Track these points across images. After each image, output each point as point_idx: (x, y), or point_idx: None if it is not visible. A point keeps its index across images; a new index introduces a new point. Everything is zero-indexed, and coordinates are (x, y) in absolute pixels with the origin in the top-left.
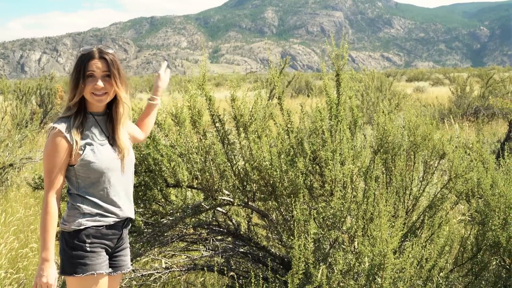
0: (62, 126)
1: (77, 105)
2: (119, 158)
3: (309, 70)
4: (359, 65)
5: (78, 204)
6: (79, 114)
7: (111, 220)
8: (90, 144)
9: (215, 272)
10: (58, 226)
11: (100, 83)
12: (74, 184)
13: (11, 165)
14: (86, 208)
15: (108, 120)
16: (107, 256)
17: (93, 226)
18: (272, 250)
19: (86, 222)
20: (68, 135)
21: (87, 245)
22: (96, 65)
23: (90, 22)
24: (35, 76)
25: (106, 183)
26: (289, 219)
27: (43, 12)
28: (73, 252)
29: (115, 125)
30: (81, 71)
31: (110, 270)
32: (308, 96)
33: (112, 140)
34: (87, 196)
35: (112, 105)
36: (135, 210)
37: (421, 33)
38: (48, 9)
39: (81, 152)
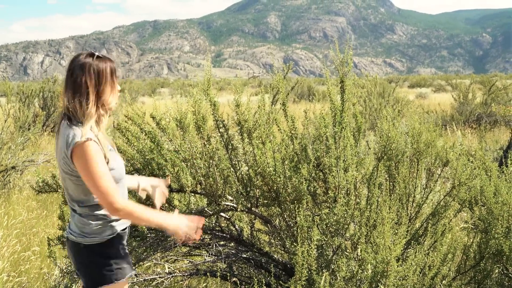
0: (92, 135)
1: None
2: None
3: (311, 75)
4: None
5: (102, 213)
6: (97, 124)
7: (129, 221)
8: (110, 150)
9: (218, 278)
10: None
11: (118, 86)
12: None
13: (13, 167)
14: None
15: None
16: None
17: (121, 229)
18: (275, 256)
19: (117, 227)
20: (99, 144)
21: (120, 249)
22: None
23: (93, 25)
24: (37, 78)
25: (122, 187)
26: (292, 225)
27: (46, 15)
28: (110, 261)
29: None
30: (114, 81)
31: (135, 271)
32: (311, 101)
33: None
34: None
35: None
36: None
37: (423, 40)
38: (51, 12)
39: (106, 159)
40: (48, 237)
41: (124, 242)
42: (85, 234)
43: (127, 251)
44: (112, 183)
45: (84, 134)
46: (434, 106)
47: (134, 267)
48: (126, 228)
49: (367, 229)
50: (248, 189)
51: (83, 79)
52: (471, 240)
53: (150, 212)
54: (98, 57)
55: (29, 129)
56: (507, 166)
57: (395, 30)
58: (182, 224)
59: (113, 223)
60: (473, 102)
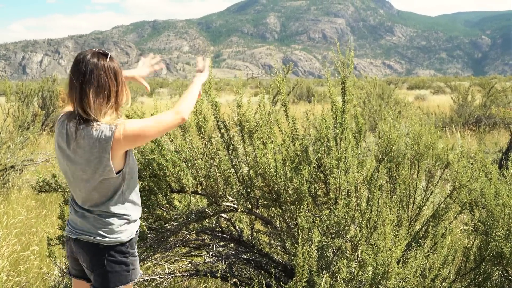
0: (113, 120)
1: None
2: None
3: (311, 76)
4: (360, 72)
5: (124, 212)
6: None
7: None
8: None
9: (218, 278)
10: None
11: None
12: (121, 191)
13: (12, 167)
14: (133, 214)
15: None
16: None
17: (136, 230)
18: (275, 257)
19: (136, 228)
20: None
21: (136, 250)
22: None
23: (92, 25)
24: (36, 78)
25: (136, 183)
26: (293, 226)
27: (46, 14)
28: (128, 261)
29: None
30: (123, 80)
31: (141, 272)
32: (310, 102)
33: None
34: (132, 199)
35: None
36: None
37: (422, 41)
38: (50, 12)
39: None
40: (48, 237)
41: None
42: (106, 234)
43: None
44: (157, 118)
45: (111, 122)
46: (433, 108)
47: None
48: (139, 228)
49: (368, 231)
50: (249, 190)
51: (106, 80)
52: (472, 242)
53: (188, 93)
54: (111, 57)
55: (28, 128)
56: (507, 169)
57: (394, 31)
58: (205, 75)
59: (133, 224)
60: (472, 104)
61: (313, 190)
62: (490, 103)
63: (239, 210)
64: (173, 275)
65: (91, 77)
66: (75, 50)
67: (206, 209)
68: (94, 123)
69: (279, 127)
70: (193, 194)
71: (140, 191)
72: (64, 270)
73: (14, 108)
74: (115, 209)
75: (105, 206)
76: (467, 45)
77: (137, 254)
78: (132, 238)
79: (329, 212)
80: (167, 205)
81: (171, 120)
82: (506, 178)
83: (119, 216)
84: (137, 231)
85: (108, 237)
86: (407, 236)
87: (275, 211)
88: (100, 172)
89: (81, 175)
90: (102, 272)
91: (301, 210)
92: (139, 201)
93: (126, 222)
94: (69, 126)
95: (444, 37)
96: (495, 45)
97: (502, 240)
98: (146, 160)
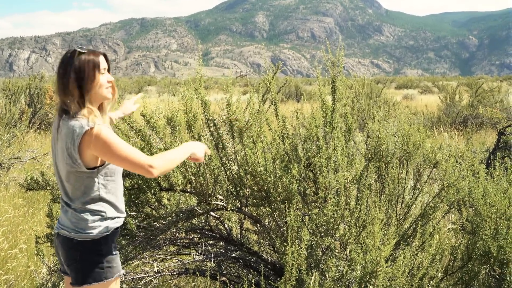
0: (98, 121)
1: (94, 104)
2: None
3: (299, 75)
4: (349, 71)
5: (99, 209)
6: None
7: (122, 219)
8: None
9: (207, 277)
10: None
11: (111, 76)
12: (95, 188)
13: None
14: (109, 212)
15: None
16: None
17: (114, 228)
18: (264, 255)
19: (112, 226)
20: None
21: (112, 248)
22: (103, 61)
23: (80, 22)
24: (23, 75)
25: (119, 183)
26: (282, 225)
27: (33, 10)
28: (102, 258)
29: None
30: (95, 67)
31: (124, 271)
32: (298, 101)
33: None
34: (108, 199)
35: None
36: (127, 213)
37: (410, 41)
38: (37, 8)
39: None
40: (35, 235)
41: (115, 241)
42: (80, 229)
43: (117, 250)
44: (133, 149)
45: (92, 120)
46: (421, 108)
47: (122, 266)
48: (119, 227)
49: (357, 230)
50: (238, 189)
51: (67, 77)
52: (459, 241)
53: (173, 151)
54: (80, 53)
55: (15, 126)
56: (494, 168)
57: (383, 31)
58: (199, 145)
59: (108, 221)
60: (459, 104)
61: (302, 189)
62: (477, 103)
63: (228, 209)
64: (162, 273)
65: (57, 73)
66: (62, 47)
67: (196, 208)
68: (76, 115)
69: (269, 126)
70: (182, 193)
71: (129, 190)
72: (52, 268)
73: (1, 106)
74: (90, 205)
75: (79, 201)
76: (454, 45)
77: (116, 252)
78: (107, 236)
79: (319, 211)
80: (156, 204)
81: (141, 164)
82: (493, 178)
83: (93, 212)
84: (116, 229)
85: (81, 232)
86: (395, 235)
87: (264, 210)
88: (68, 162)
89: (59, 165)
90: (76, 267)
91: (291, 209)
92: (120, 205)
93: (100, 219)
94: (57, 119)
95: (432, 37)
96: (482, 45)
97: (489, 239)
98: None
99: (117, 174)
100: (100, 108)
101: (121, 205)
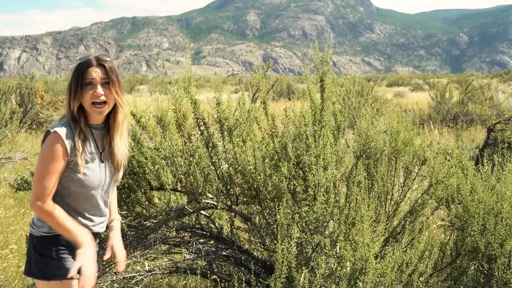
0: (63, 131)
1: (77, 116)
2: (109, 173)
3: (291, 73)
4: (340, 69)
5: None
6: (78, 125)
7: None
8: (84, 159)
9: (198, 275)
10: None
11: (99, 90)
12: (55, 191)
13: None
14: None
15: (105, 132)
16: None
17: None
18: (255, 253)
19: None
20: (68, 142)
21: (53, 252)
22: (95, 72)
23: (70, 21)
24: (14, 74)
25: (88, 201)
26: (272, 223)
27: (23, 10)
28: (39, 258)
29: (112, 134)
30: (79, 79)
31: (78, 276)
32: (290, 99)
33: (108, 154)
34: (64, 207)
35: (111, 115)
36: (118, 212)
37: (401, 39)
38: (27, 7)
39: (74, 165)
40: (26, 235)
41: (66, 248)
42: (33, 224)
43: (65, 256)
44: (49, 180)
45: (58, 126)
46: (411, 105)
47: (113, 266)
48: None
49: (346, 227)
50: (228, 187)
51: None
52: (448, 238)
53: (69, 222)
54: (77, 61)
55: (6, 125)
56: (483, 165)
57: (374, 29)
58: (89, 253)
59: None
60: (450, 101)
61: (292, 187)
62: (467, 100)
63: (218, 207)
64: (152, 272)
65: None
66: (53, 46)
67: (186, 206)
68: (63, 117)
69: (259, 125)
70: (172, 192)
71: (120, 189)
72: None
73: None
74: None
75: None
76: (445, 42)
77: (57, 256)
78: (48, 237)
79: (308, 208)
80: (146, 203)
81: (37, 194)
82: (481, 174)
83: None
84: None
85: (32, 226)
86: (385, 232)
87: (254, 208)
88: None
89: None
90: (27, 259)
91: (280, 207)
92: (79, 216)
93: None
94: None
95: (422, 35)
96: (472, 42)
97: (478, 235)
98: None
99: (93, 190)
100: (113, 119)
101: (86, 221)
